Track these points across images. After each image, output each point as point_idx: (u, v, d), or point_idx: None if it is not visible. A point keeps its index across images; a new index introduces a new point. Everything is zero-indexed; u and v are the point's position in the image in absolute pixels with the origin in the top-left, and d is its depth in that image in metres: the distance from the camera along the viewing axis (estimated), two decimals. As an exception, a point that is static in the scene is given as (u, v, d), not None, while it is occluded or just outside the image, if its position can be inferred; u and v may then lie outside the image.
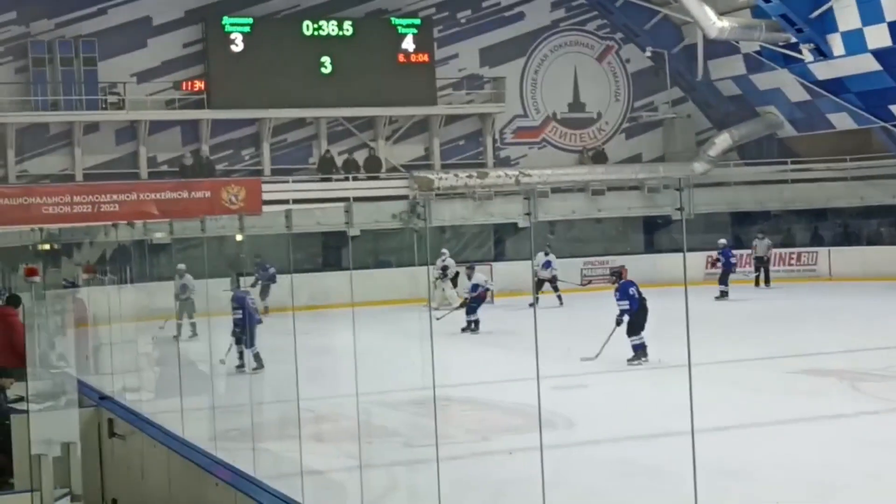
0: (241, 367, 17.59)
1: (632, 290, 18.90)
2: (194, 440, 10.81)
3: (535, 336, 7.05)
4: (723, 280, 29.54)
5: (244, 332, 17.85)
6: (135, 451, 11.33)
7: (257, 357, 17.89)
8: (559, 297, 29.22)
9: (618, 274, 19.93)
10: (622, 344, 18.48)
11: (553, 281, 29.53)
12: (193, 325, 20.41)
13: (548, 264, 29.57)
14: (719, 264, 29.98)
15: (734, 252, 30.72)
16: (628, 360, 18.38)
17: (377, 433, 12.88)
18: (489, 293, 25.03)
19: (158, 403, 12.90)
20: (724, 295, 29.02)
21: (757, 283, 32.78)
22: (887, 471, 10.94)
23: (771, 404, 14.93)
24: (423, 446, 9.55)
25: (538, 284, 29.47)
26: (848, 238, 36.46)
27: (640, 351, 18.45)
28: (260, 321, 19.04)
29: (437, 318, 19.83)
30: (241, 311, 18.08)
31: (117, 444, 11.83)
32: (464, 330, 23.42)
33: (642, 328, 18.58)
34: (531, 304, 28.48)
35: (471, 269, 25.06)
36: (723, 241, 30.41)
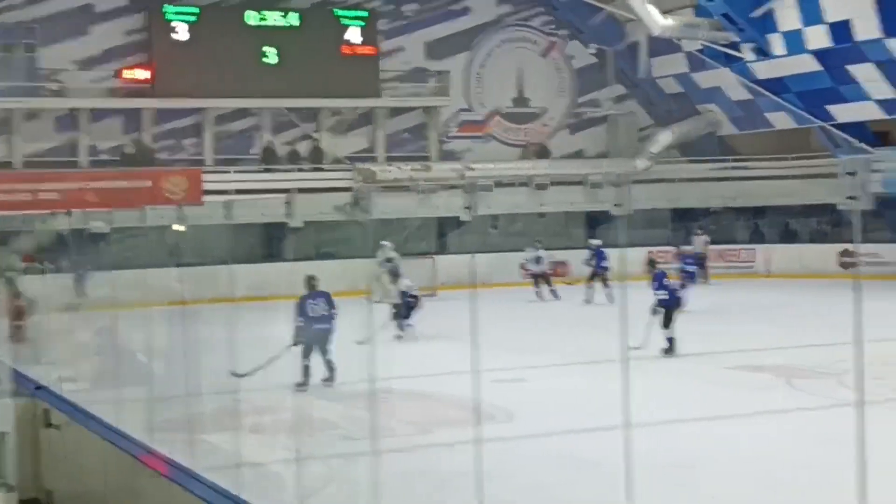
0: (303, 384, 15.52)
1: (666, 281, 18.90)
2: (131, 431, 10.71)
3: (474, 329, 7.05)
4: (591, 281, 28.06)
5: (313, 341, 15.90)
6: (71, 442, 11.21)
7: (330, 365, 16.05)
8: (553, 292, 29.24)
9: (653, 263, 19.77)
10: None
11: (546, 276, 29.54)
12: None
13: (539, 259, 29.58)
14: (592, 264, 28.34)
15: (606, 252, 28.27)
16: (663, 351, 18.40)
17: (317, 425, 12.84)
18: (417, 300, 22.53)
19: (96, 394, 12.77)
20: (590, 299, 27.76)
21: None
22: (823, 464, 11.07)
23: (709, 399, 15.07)
24: (363, 439, 9.53)
25: (534, 279, 29.49)
26: (786, 236, 36.87)
27: (673, 343, 18.50)
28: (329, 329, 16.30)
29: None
30: (302, 318, 15.94)
31: (53, 435, 11.70)
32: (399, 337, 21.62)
33: (673, 321, 18.62)
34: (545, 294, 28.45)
35: (394, 272, 23.16)
36: (597, 241, 29.15)
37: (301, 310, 16.05)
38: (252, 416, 11.91)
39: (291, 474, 8.64)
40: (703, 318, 24.26)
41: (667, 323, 18.56)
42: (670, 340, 18.47)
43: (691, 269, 25.35)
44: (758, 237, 36.93)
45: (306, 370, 15.90)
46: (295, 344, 15.63)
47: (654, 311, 18.60)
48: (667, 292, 18.62)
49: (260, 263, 27.91)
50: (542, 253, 29.81)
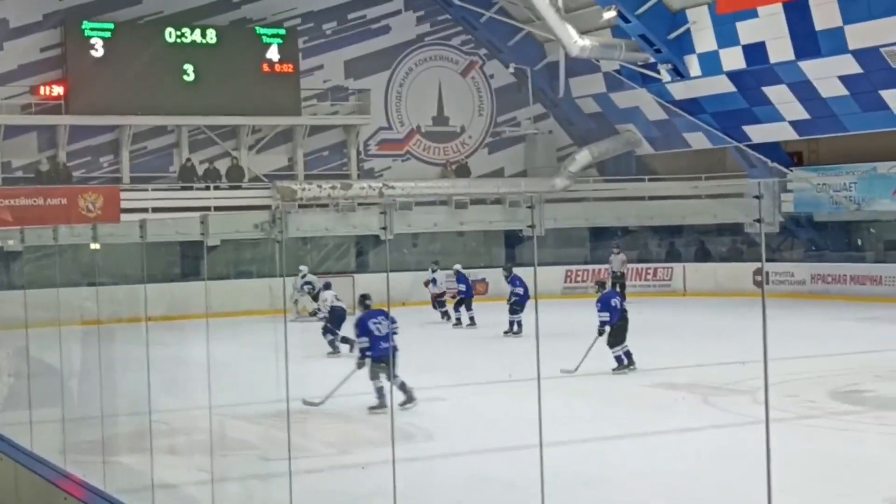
0: (379, 407, 15.13)
1: (613, 302, 18.91)
2: (45, 454, 10.56)
3: (391, 351, 7.08)
4: (457, 307, 27.65)
5: (382, 361, 14.93)
6: (-19, 465, 11.02)
7: (403, 387, 14.92)
8: (443, 314, 28.77)
9: (601, 284, 19.84)
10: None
11: (440, 297, 29.31)
12: None
13: (434, 281, 29.41)
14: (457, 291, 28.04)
15: (468, 276, 28.54)
16: (613, 370, 18.52)
17: (233, 446, 12.74)
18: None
19: (7, 415, 12.57)
20: (458, 322, 27.53)
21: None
22: (736, 481, 11.22)
23: (625, 417, 15.20)
24: (279, 459, 9.49)
25: (439, 302, 29.22)
26: (702, 254, 37.33)
27: (622, 360, 18.63)
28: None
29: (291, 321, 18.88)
30: (366, 338, 15.22)
31: (-37, 458, 11.49)
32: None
33: (624, 339, 18.77)
34: (455, 321, 28.02)
35: (313, 292, 23.14)
36: (457, 266, 28.98)
37: (363, 329, 15.35)
38: (167, 438, 11.80)
39: (206, 496, 8.57)
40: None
41: (613, 343, 18.76)
42: (619, 359, 18.70)
43: (520, 290, 25.14)
44: (674, 256, 37.34)
45: (381, 391, 15.19)
46: (359, 367, 14.95)
47: (600, 332, 18.77)
48: (608, 313, 18.75)
49: (176, 283, 27.67)
50: (438, 275, 29.65)
